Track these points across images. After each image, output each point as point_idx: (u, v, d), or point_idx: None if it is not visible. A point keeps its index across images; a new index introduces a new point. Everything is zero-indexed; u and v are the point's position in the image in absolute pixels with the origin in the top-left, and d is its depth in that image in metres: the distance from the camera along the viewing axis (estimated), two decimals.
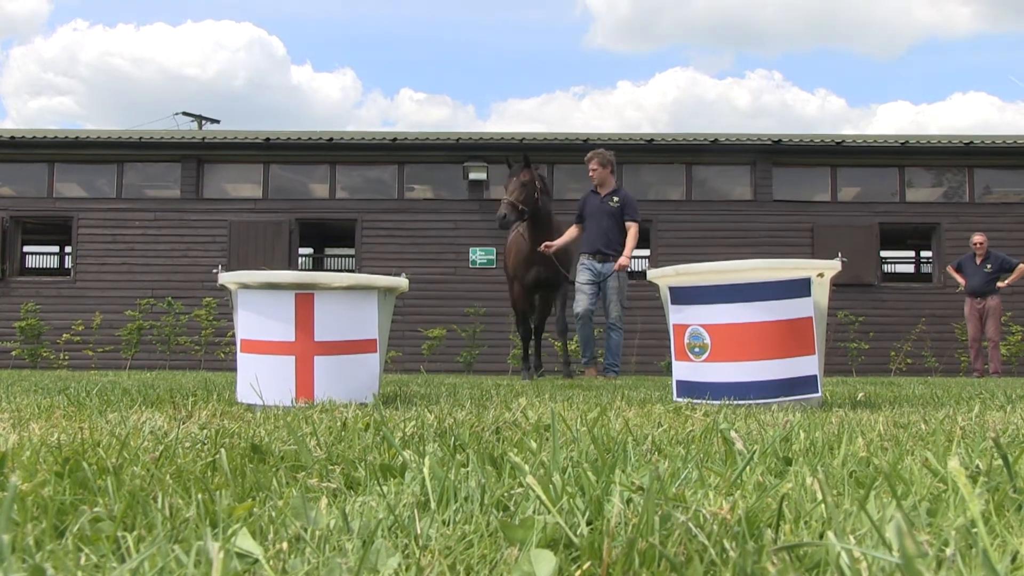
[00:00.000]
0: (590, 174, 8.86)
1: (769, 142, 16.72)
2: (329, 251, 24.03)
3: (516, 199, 8.26)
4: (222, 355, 15.14)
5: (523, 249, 8.62)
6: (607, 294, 8.72)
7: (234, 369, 3.79)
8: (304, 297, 3.40)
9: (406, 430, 2.06)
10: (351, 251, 18.88)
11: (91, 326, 15.80)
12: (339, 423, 2.23)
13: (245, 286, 3.49)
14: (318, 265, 23.77)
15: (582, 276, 8.80)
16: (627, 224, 8.71)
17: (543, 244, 8.28)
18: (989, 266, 12.33)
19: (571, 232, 8.81)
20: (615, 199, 8.76)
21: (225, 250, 16.42)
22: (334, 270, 23.61)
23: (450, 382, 6.58)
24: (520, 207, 8.23)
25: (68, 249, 19.23)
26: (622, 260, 8.56)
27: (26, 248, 20.68)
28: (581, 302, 8.70)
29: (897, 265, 23.71)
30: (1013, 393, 4.61)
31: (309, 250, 23.04)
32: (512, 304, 9.25)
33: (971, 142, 16.66)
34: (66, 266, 21.33)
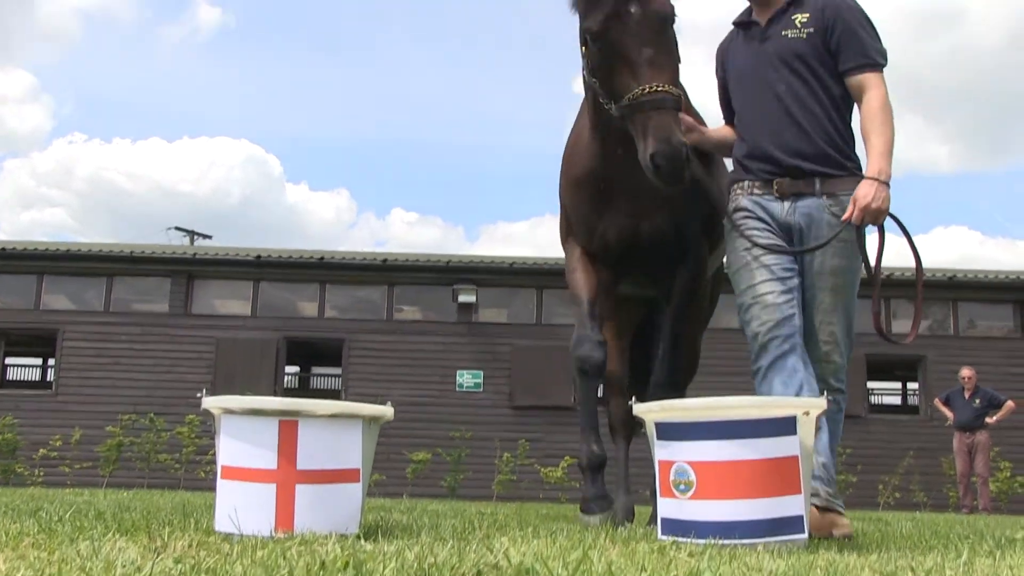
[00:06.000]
0: None
1: None
2: (316, 370, 23.93)
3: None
4: (202, 474, 14.85)
5: (597, 165, 3.76)
6: (813, 288, 3.45)
7: (214, 488, 3.73)
8: (288, 424, 3.37)
9: (385, 573, 2.02)
10: (338, 371, 18.81)
11: (70, 441, 15.47)
12: (318, 562, 2.18)
13: (229, 411, 3.46)
14: (304, 384, 23.64)
15: (751, 238, 3.44)
16: (857, 79, 3.37)
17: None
18: (978, 401, 12.33)
19: (723, 129, 3.77)
20: (802, 18, 3.40)
21: (211, 367, 16.30)
22: (320, 389, 23.48)
23: (432, 509, 6.46)
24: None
25: (51, 362, 19.09)
26: (867, 193, 3.18)
27: (8, 360, 20.51)
28: (766, 312, 3.38)
29: (884, 396, 23.73)
30: (1002, 536, 4.56)
31: (295, 369, 22.95)
32: (572, 290, 4.03)
33: (954, 276, 16.89)
34: (48, 379, 21.13)
